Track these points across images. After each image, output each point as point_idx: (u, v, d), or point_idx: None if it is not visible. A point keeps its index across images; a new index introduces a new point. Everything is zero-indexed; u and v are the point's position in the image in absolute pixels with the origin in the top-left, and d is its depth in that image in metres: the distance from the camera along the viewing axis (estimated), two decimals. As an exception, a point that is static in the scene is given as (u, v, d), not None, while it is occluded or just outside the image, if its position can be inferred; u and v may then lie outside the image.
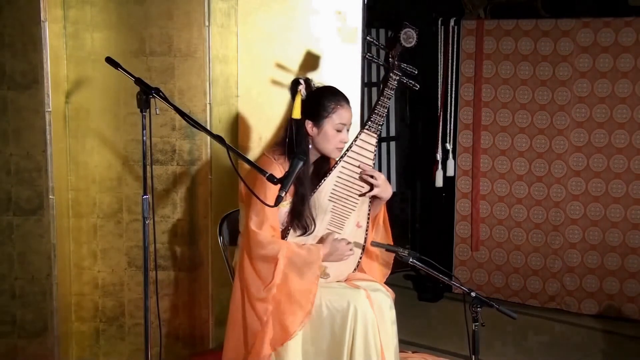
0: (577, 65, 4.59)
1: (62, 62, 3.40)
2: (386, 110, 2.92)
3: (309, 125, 2.84)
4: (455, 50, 4.90)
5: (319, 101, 2.84)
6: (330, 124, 2.83)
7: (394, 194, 3.12)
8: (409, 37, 2.91)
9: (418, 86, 3.05)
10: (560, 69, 4.63)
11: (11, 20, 3.25)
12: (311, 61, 3.47)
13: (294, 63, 3.48)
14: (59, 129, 3.38)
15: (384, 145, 5.82)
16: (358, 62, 3.50)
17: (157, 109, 2.67)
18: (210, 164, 3.46)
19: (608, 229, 4.63)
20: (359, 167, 2.90)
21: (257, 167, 2.58)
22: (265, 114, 3.52)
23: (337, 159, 2.90)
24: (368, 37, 2.97)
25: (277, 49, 3.49)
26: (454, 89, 4.93)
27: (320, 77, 3.37)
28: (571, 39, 4.58)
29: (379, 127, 2.91)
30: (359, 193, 2.92)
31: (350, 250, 2.89)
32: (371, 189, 2.91)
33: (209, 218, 3.47)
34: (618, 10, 4.67)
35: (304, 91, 2.85)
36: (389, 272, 3.11)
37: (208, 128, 3.27)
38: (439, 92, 4.98)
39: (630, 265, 4.60)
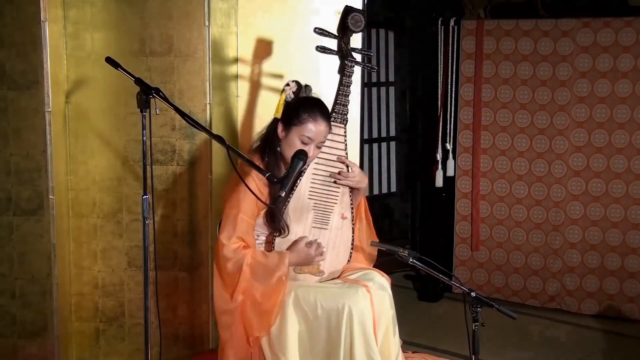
0: (577, 65, 4.59)
1: (62, 62, 3.40)
2: (348, 99, 2.92)
3: (279, 127, 2.85)
4: (455, 50, 4.89)
5: (297, 108, 2.84)
6: (296, 132, 2.81)
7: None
8: (357, 22, 2.89)
9: (376, 68, 3.06)
10: (560, 69, 4.63)
11: (11, 20, 3.26)
12: (264, 48, 3.45)
13: (294, 63, 3.48)
14: (59, 129, 3.38)
15: (384, 145, 5.82)
16: (358, 62, 3.50)
17: (157, 109, 2.67)
18: (210, 164, 3.46)
19: (608, 229, 4.63)
20: (333, 160, 2.91)
21: (257, 167, 2.59)
22: (265, 114, 3.52)
23: None
24: (316, 28, 2.92)
25: (277, 49, 3.48)
26: (454, 89, 4.92)
27: (320, 78, 3.39)
28: (571, 39, 4.58)
29: (345, 117, 2.92)
30: (337, 185, 2.92)
31: (321, 254, 2.88)
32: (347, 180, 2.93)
33: (208, 218, 3.47)
34: (618, 10, 4.67)
35: (290, 93, 2.86)
36: (373, 264, 3.12)
37: (208, 128, 3.27)
38: (439, 92, 4.98)
39: (630, 265, 4.60)
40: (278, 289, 2.74)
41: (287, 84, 2.90)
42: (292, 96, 2.88)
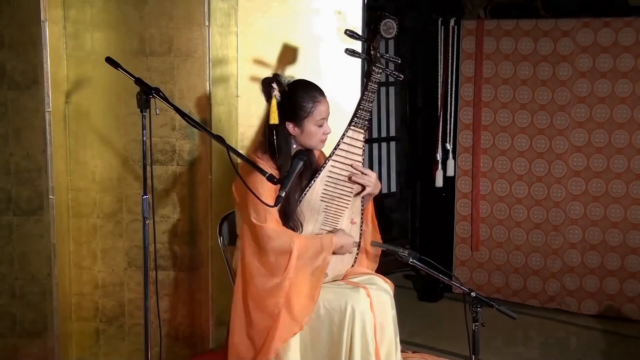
0: (577, 65, 4.59)
1: (62, 62, 3.40)
2: (372, 105, 2.90)
3: (289, 126, 2.83)
4: (455, 50, 4.90)
5: (296, 101, 2.81)
6: (311, 122, 2.82)
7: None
8: (389, 28, 2.87)
9: (402, 76, 3.04)
10: (560, 69, 4.63)
11: (11, 20, 3.25)
12: (289, 54, 3.45)
13: (294, 62, 3.48)
14: (59, 129, 3.38)
15: (384, 145, 5.82)
16: (358, 62, 3.50)
17: (157, 109, 2.67)
18: (210, 164, 3.46)
19: (608, 229, 4.63)
20: (351, 165, 2.89)
21: (257, 167, 2.59)
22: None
23: (326, 158, 2.90)
24: (347, 31, 2.93)
25: (277, 49, 3.49)
26: (454, 89, 4.93)
27: (321, 77, 3.38)
28: (571, 39, 4.58)
29: (366, 123, 2.90)
30: (350, 190, 2.91)
31: (355, 246, 2.92)
32: (363, 189, 2.91)
33: (209, 218, 3.47)
34: (618, 10, 4.67)
35: (278, 93, 2.81)
36: (376, 265, 3.11)
37: (208, 128, 3.27)
38: (439, 92, 4.98)
39: (630, 265, 4.60)
40: (322, 270, 2.76)
41: (271, 86, 2.81)
42: (279, 95, 2.82)
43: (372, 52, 2.90)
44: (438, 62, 4.97)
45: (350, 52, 2.92)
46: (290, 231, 2.79)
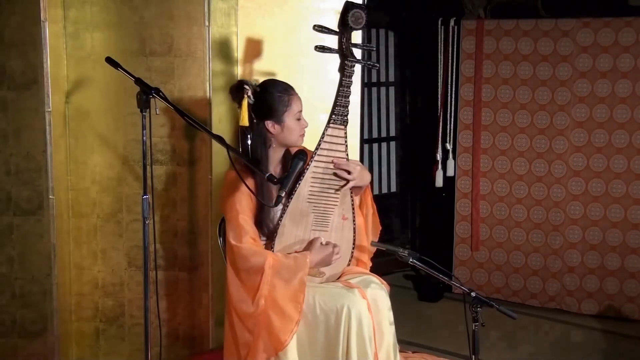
0: (577, 65, 4.59)
1: (62, 62, 3.40)
2: (349, 100, 2.84)
3: (269, 125, 2.79)
4: (455, 50, 4.90)
5: (272, 98, 2.78)
6: (290, 115, 2.79)
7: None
8: (357, 19, 2.78)
9: (378, 65, 2.97)
10: (560, 69, 4.63)
11: (11, 20, 3.26)
12: (252, 47, 3.43)
13: (295, 63, 3.48)
14: (59, 129, 3.38)
15: (384, 145, 5.82)
16: (358, 62, 3.50)
17: (157, 109, 2.67)
18: (210, 164, 3.46)
19: (608, 229, 4.63)
20: (331, 162, 2.86)
21: (256, 167, 2.59)
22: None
23: (310, 159, 2.86)
24: (315, 25, 2.83)
25: (277, 49, 3.49)
26: (454, 89, 4.93)
27: (321, 78, 3.39)
28: (571, 39, 4.58)
29: (345, 118, 2.85)
30: (336, 188, 2.88)
31: (337, 253, 2.88)
32: (347, 182, 2.88)
33: (208, 218, 3.47)
34: (618, 10, 4.67)
35: (251, 95, 2.77)
36: (371, 264, 3.10)
37: (208, 128, 3.27)
38: (439, 92, 4.98)
39: (630, 265, 4.60)
40: (300, 290, 2.71)
41: (243, 90, 2.77)
42: (252, 97, 2.79)
43: (343, 44, 2.83)
44: (438, 62, 4.98)
45: (320, 49, 2.84)
46: (265, 251, 2.77)
